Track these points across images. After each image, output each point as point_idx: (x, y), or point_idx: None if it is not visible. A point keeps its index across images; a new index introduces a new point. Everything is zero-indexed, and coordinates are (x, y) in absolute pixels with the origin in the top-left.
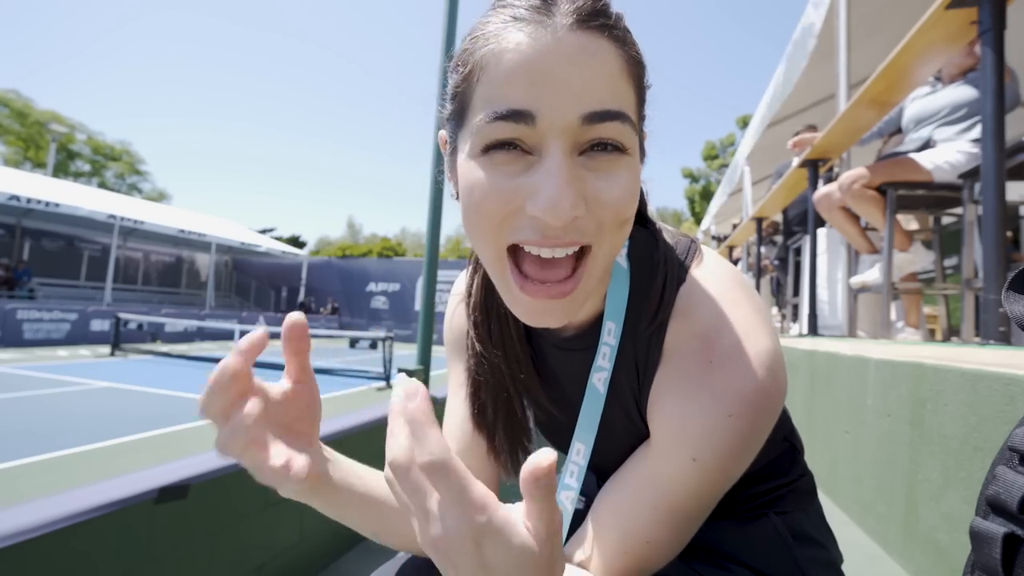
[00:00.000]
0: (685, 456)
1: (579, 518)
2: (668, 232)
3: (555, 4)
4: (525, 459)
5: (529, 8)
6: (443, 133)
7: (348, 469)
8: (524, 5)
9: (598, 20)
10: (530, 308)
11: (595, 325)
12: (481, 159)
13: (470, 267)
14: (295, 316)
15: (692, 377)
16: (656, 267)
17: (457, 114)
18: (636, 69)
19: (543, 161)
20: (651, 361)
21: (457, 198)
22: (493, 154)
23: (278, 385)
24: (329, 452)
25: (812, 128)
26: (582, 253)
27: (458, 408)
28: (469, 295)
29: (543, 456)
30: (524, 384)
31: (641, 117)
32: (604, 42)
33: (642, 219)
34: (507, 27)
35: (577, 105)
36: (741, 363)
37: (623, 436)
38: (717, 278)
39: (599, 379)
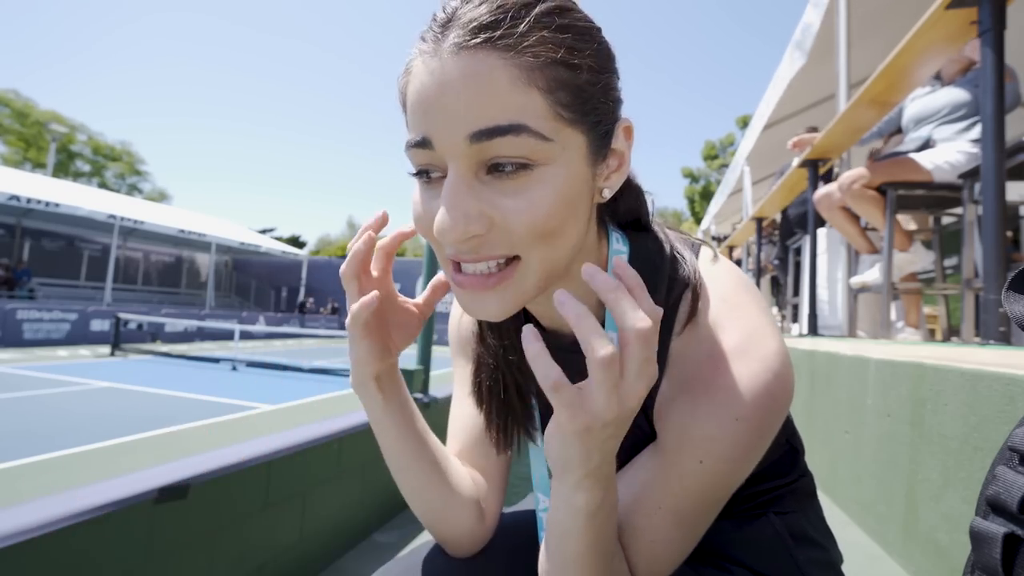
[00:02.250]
0: (691, 459)
1: None
2: (673, 235)
3: (449, 29)
4: (517, 436)
5: (430, 40)
6: None
7: (409, 399)
8: (428, 36)
9: (481, 36)
10: (463, 299)
11: None
12: (417, 181)
13: None
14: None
15: (699, 381)
16: (660, 272)
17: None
18: (542, 72)
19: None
20: (659, 367)
21: None
22: (421, 181)
23: (405, 299)
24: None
25: (814, 130)
26: (510, 262)
27: (463, 408)
28: None
29: None
30: (517, 367)
31: (578, 115)
32: (490, 58)
33: (640, 224)
34: (417, 60)
35: (462, 127)
36: (748, 366)
37: (629, 443)
38: (722, 281)
39: None
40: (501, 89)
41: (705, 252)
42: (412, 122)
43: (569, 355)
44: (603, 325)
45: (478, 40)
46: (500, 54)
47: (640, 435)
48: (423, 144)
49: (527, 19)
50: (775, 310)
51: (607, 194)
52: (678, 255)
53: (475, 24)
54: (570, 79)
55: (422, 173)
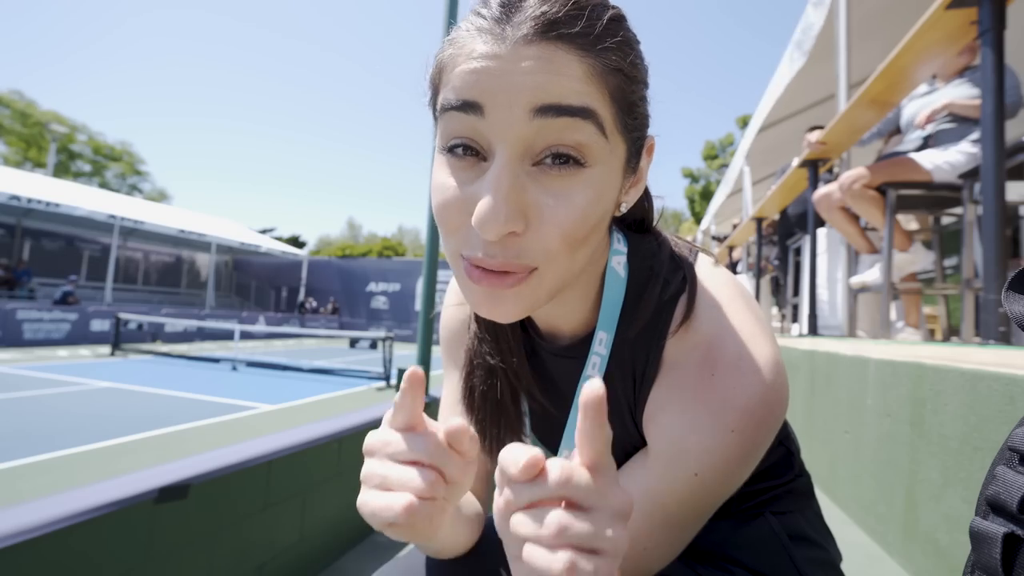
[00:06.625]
0: (685, 471)
1: None
2: (672, 240)
3: (516, 13)
4: (507, 443)
5: (490, 19)
6: None
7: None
8: (488, 15)
9: (556, 30)
10: (478, 296)
11: (592, 334)
12: (446, 157)
13: None
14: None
15: (693, 390)
16: (656, 276)
17: (432, 104)
18: (612, 78)
19: (489, 169)
20: (649, 371)
21: None
22: (453, 158)
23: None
24: None
25: (818, 128)
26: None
27: (451, 410)
28: None
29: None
30: (514, 371)
31: (627, 127)
32: (563, 52)
33: (643, 226)
34: (470, 35)
35: (526, 97)
36: (744, 376)
37: (618, 445)
38: (718, 288)
39: None
40: (575, 77)
41: (704, 259)
42: (458, 85)
43: (563, 360)
44: (595, 328)
45: (554, 33)
46: (577, 51)
47: (631, 442)
48: (471, 107)
49: (601, 21)
50: (775, 310)
51: (624, 208)
52: (676, 258)
53: (550, 17)
54: (628, 90)
55: (457, 148)
